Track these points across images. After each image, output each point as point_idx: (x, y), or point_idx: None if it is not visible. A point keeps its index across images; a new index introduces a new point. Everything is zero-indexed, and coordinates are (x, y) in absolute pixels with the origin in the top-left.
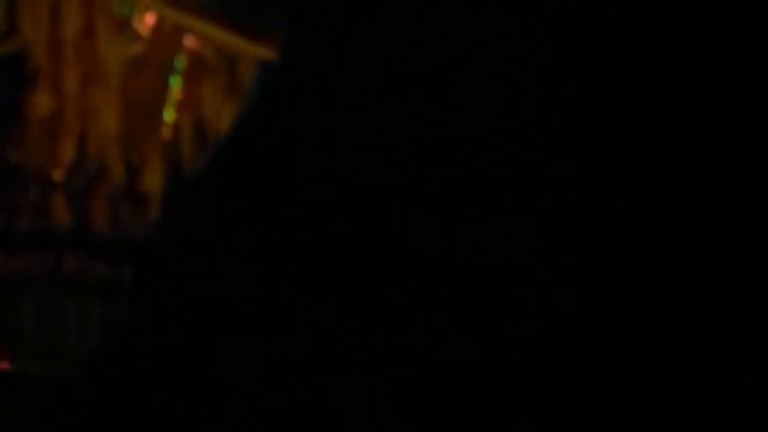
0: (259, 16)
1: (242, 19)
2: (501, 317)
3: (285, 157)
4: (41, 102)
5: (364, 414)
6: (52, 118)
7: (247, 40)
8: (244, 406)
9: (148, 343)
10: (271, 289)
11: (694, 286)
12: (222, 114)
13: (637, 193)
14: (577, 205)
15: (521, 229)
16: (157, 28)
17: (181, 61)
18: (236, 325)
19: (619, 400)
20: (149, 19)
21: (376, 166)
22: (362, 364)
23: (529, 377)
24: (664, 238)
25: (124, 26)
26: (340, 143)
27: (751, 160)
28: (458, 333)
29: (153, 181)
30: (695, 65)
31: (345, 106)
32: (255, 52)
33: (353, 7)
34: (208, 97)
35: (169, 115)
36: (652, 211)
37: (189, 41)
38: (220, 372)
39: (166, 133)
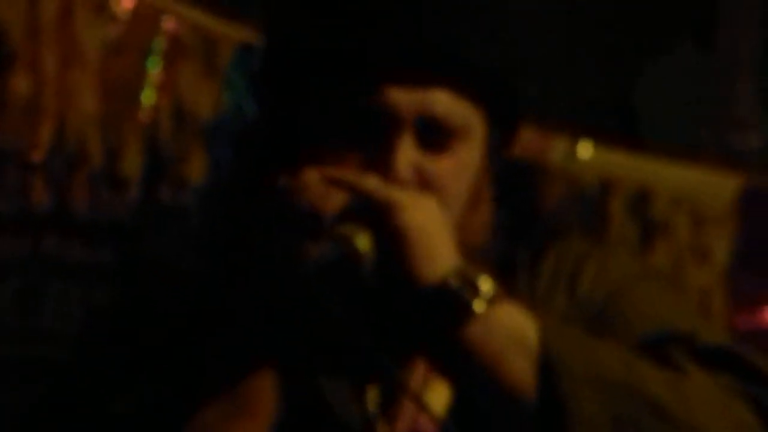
0: None
1: (220, 1)
2: None
3: None
4: (19, 84)
5: None
6: (30, 100)
7: (226, 22)
8: (221, 385)
9: (128, 326)
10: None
11: None
12: (200, 96)
13: None
14: None
15: None
16: (135, 10)
17: (159, 44)
18: (214, 309)
19: None
20: (127, 0)
21: None
22: None
23: None
24: None
25: (101, 8)
26: None
27: None
28: None
29: (131, 163)
30: None
31: None
32: (233, 34)
33: None
34: (187, 80)
35: (147, 97)
36: None
37: (167, 23)
38: (200, 354)
39: (144, 115)
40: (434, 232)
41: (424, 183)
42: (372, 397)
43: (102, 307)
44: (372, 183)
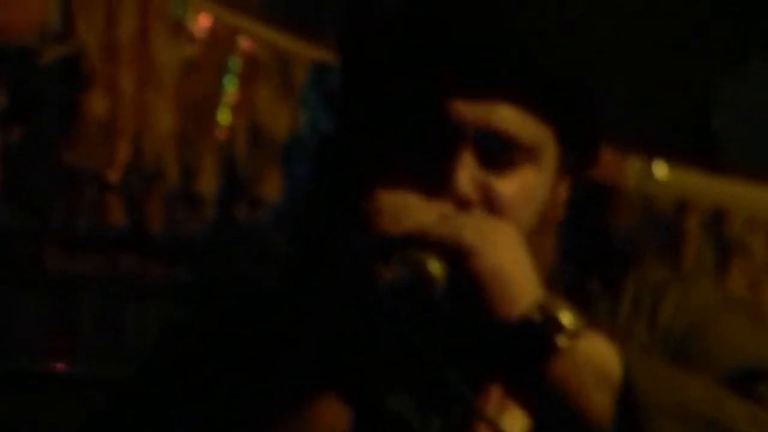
0: (313, 17)
1: (296, 20)
2: None
3: None
4: (97, 104)
5: None
6: (107, 120)
7: (301, 41)
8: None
9: (201, 346)
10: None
11: None
12: (276, 115)
13: None
14: None
15: None
16: (212, 30)
17: (235, 63)
18: (287, 328)
19: None
20: (203, 20)
21: None
22: None
23: None
24: None
25: (178, 28)
26: None
27: None
28: None
29: (208, 182)
30: None
31: None
32: (308, 53)
33: None
34: (262, 98)
35: (223, 116)
36: None
37: (243, 42)
38: (271, 373)
39: (220, 134)
40: (513, 271)
41: (489, 203)
42: (444, 420)
43: (176, 326)
44: (443, 228)
